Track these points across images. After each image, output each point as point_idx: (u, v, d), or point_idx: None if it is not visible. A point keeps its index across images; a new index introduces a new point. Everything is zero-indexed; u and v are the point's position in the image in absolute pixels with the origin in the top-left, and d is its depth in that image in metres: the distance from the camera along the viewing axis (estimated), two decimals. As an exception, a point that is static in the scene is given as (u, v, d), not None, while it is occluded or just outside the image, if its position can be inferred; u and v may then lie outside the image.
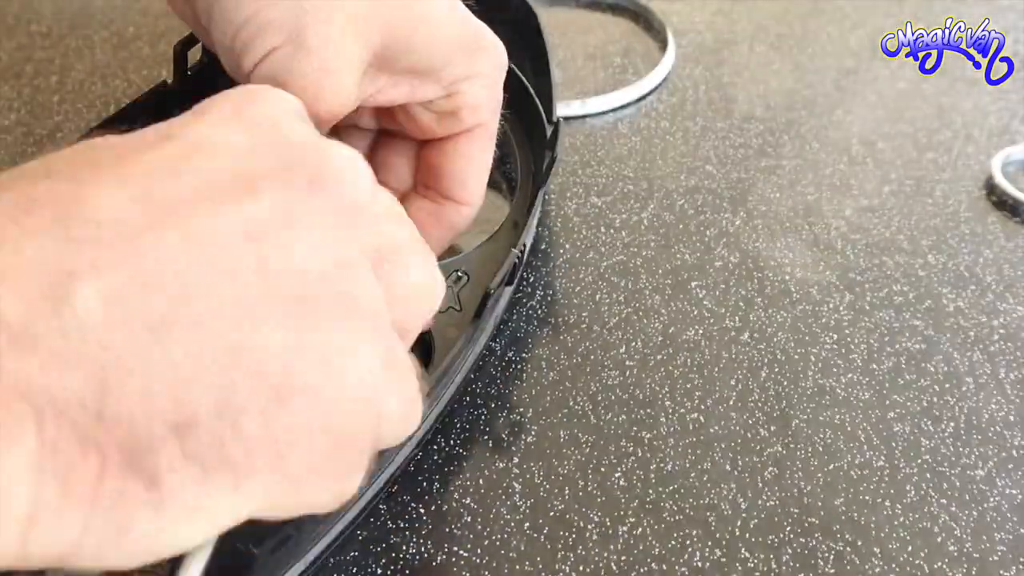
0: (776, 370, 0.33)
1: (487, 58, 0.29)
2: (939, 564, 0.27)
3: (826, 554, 0.27)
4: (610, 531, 0.28)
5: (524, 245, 0.32)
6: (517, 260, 0.30)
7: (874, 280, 0.36)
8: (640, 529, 0.28)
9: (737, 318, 0.34)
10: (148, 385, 0.15)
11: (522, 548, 0.27)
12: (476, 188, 0.30)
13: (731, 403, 0.31)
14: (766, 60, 0.49)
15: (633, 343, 0.33)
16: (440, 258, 0.32)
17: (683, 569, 0.27)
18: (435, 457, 0.29)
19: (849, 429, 0.31)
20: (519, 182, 0.36)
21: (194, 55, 0.32)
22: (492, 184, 0.38)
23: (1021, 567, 0.27)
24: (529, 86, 0.36)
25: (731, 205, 0.39)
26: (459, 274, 0.32)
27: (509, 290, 0.33)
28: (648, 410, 0.31)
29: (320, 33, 0.24)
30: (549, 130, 0.35)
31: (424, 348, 0.31)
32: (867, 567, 0.27)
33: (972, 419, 0.31)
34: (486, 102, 0.29)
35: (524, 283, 0.35)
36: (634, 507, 0.28)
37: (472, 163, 0.30)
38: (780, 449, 0.30)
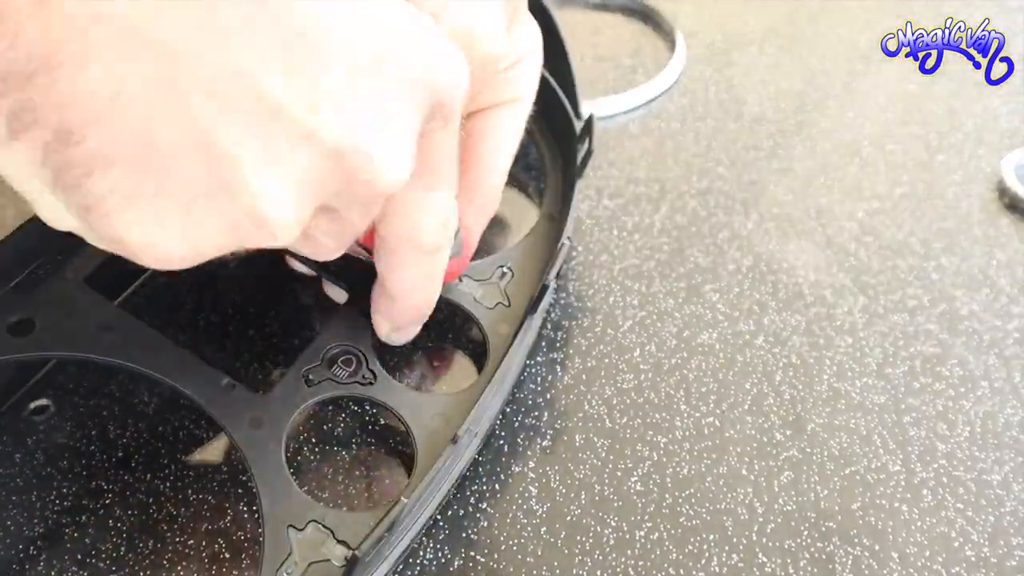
0: (791, 374, 0.33)
1: (540, 39, 0.31)
2: (956, 569, 0.27)
3: (843, 559, 0.27)
4: (627, 536, 0.28)
5: (569, 235, 0.32)
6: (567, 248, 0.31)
7: (887, 283, 0.36)
8: (657, 534, 0.28)
9: (751, 321, 0.34)
10: None
11: (539, 553, 0.27)
12: (507, 159, 0.32)
13: (746, 407, 0.31)
14: (776, 61, 0.49)
15: (647, 347, 0.33)
16: (482, 256, 0.32)
17: (700, 574, 0.27)
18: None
19: (864, 433, 0.31)
20: (547, 177, 0.36)
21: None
22: (519, 184, 0.39)
23: (1039, 572, 0.27)
24: (554, 83, 0.36)
25: (743, 207, 0.39)
26: (504, 270, 0.32)
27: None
28: (663, 414, 0.31)
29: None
30: (578, 125, 0.35)
31: (477, 345, 0.31)
32: (885, 572, 0.27)
33: (988, 423, 0.31)
34: (536, 76, 0.31)
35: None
36: (651, 512, 0.28)
37: (509, 134, 0.31)
38: (796, 453, 0.30)
